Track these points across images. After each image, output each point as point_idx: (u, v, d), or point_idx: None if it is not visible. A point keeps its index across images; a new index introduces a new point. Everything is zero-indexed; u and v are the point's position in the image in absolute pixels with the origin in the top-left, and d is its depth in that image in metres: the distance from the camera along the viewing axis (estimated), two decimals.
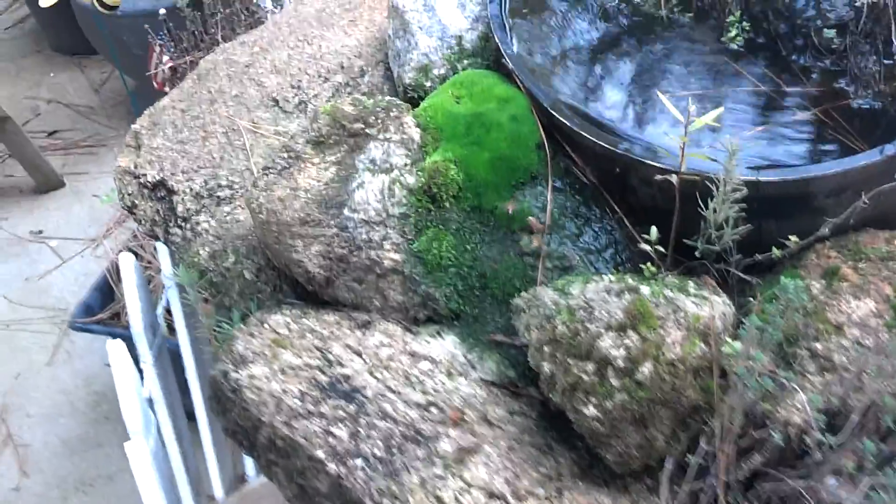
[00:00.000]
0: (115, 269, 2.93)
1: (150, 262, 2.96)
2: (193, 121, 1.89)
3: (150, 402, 1.85)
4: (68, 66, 4.76)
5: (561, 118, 1.56)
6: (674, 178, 1.40)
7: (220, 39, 3.23)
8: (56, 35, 4.94)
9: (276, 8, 4.18)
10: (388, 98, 1.69)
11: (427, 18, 1.83)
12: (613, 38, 1.77)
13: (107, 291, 2.93)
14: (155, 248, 2.16)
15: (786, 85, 1.60)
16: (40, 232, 3.83)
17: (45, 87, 4.65)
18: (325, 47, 1.99)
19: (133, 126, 1.92)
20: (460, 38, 1.82)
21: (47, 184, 4.01)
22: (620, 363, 1.24)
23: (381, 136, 1.63)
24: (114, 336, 2.86)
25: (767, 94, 1.60)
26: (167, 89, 3.40)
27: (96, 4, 2.98)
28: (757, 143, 1.51)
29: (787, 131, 1.53)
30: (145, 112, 1.94)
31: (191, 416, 2.15)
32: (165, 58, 3.40)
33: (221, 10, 3.42)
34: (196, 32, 3.33)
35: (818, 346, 1.33)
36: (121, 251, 2.94)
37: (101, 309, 2.89)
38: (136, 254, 2.98)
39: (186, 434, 2.09)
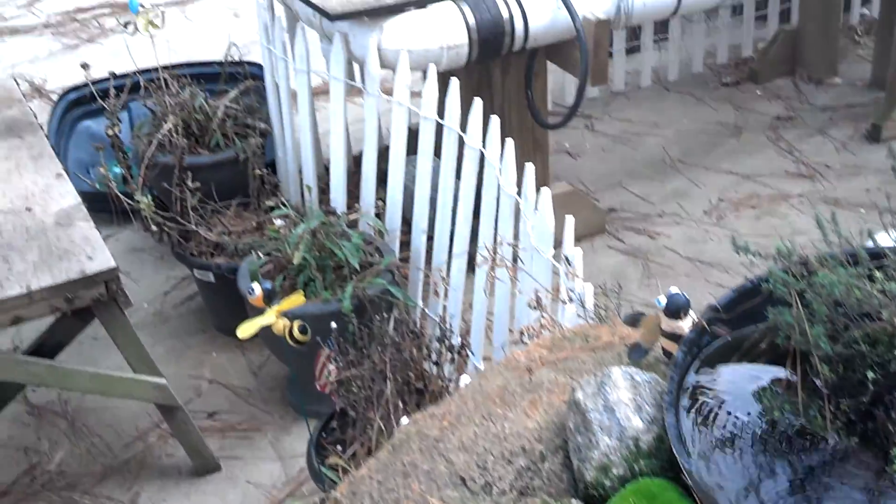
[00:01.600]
0: None
1: None
2: (388, 493, 2.09)
3: None
4: (230, 347, 5.13)
5: None
6: None
7: (387, 360, 3.51)
8: (220, 316, 5.33)
9: (429, 312, 4.52)
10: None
11: (607, 419, 2.02)
12: (780, 451, 1.92)
13: None
14: None
15: None
16: None
17: (207, 366, 5.02)
18: (508, 428, 2.20)
19: (333, 493, 2.13)
20: (637, 439, 1.99)
21: (205, 467, 4.27)
22: None
23: None
24: None
25: None
26: (329, 393, 3.70)
27: (288, 339, 3.32)
28: None
29: None
30: (346, 479, 2.16)
31: None
32: (332, 367, 3.70)
33: (385, 326, 3.73)
34: (363, 349, 3.63)
35: None
36: None
37: None
38: None
39: None
